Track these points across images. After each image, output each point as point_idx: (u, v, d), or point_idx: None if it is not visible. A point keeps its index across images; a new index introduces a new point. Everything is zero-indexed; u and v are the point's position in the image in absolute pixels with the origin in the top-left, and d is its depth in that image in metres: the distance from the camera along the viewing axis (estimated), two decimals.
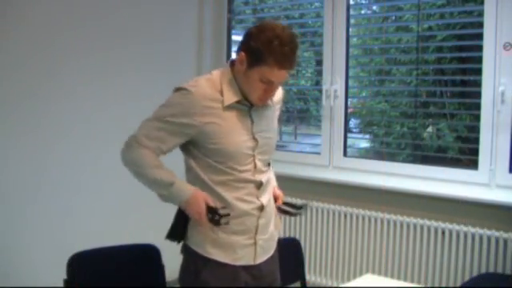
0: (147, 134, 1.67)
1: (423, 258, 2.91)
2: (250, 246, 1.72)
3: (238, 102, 1.68)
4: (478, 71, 2.82)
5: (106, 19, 3.17)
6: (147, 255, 2.05)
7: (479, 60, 2.81)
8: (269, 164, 1.83)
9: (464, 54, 3.30)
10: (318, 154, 3.50)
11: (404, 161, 3.35)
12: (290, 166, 3.42)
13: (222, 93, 1.66)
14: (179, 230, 1.73)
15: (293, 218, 3.37)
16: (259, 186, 1.72)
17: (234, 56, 1.92)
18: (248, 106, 1.71)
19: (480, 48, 2.80)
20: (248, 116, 1.71)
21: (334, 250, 3.27)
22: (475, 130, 2.88)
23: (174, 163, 1.74)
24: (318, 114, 3.53)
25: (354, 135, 3.77)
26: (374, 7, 3.70)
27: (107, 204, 3.17)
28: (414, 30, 3.31)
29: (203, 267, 1.69)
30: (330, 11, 3.36)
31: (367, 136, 3.90)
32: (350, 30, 3.39)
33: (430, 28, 3.28)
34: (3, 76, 2.72)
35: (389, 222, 3.03)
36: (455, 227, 2.79)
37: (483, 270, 2.69)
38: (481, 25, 2.79)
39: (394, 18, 3.56)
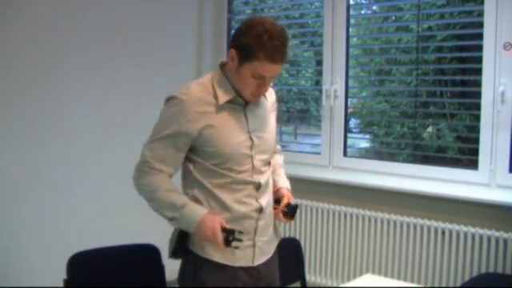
0: (154, 155, 1.66)
1: (423, 257, 2.90)
2: (248, 247, 1.72)
3: (231, 102, 1.68)
4: (478, 71, 2.82)
5: (107, 19, 3.18)
6: (147, 255, 2.04)
7: (479, 60, 2.81)
8: (269, 163, 1.82)
9: (464, 54, 3.30)
10: (318, 153, 3.50)
11: (404, 161, 3.35)
12: (290, 166, 3.37)
13: (214, 94, 1.66)
14: (183, 246, 1.72)
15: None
16: (258, 187, 1.72)
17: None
18: (242, 105, 1.71)
19: (480, 48, 2.80)
20: (243, 114, 1.71)
21: (334, 250, 3.27)
22: (475, 129, 2.88)
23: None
24: (318, 114, 3.53)
25: (354, 135, 3.77)
26: (374, 7, 3.70)
27: (107, 204, 3.17)
28: (413, 30, 3.31)
29: (201, 268, 1.69)
30: (330, 11, 3.36)
31: (367, 136, 3.90)
32: (350, 29, 3.39)
33: (429, 28, 3.28)
34: (0, 73, 2.72)
35: (389, 222, 3.03)
36: (455, 227, 2.79)
37: (483, 270, 2.68)
38: (481, 25, 2.79)
39: (394, 18, 3.56)
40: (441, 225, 2.84)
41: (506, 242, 2.63)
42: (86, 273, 1.90)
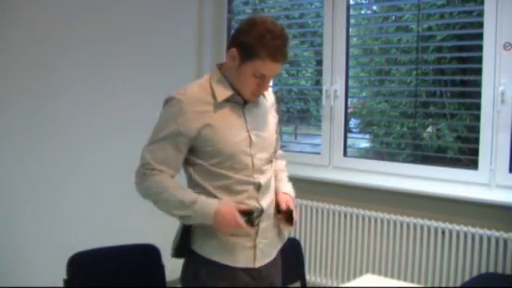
0: (155, 157, 1.65)
1: (423, 257, 2.90)
2: (249, 249, 1.71)
3: (230, 100, 1.68)
4: (478, 71, 2.82)
5: (107, 18, 3.17)
6: (147, 255, 2.04)
7: (479, 60, 2.81)
8: (270, 161, 1.81)
9: (464, 54, 3.30)
10: (318, 153, 3.50)
11: (404, 161, 3.35)
12: (290, 166, 3.36)
13: (212, 93, 1.67)
14: (186, 246, 1.71)
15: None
16: (258, 187, 1.71)
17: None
18: (241, 103, 1.71)
19: (480, 48, 2.79)
20: (241, 113, 1.71)
21: (334, 250, 3.27)
22: (475, 129, 2.88)
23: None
24: (318, 114, 3.53)
25: (354, 135, 3.77)
26: (374, 7, 3.70)
27: (107, 204, 3.17)
28: (413, 30, 3.31)
29: (202, 267, 1.69)
30: (330, 11, 3.36)
31: (367, 136, 3.90)
32: (350, 29, 3.39)
33: (429, 28, 3.28)
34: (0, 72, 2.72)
35: (389, 222, 3.03)
36: (455, 227, 2.79)
37: (483, 270, 2.69)
38: (481, 25, 2.79)
39: (394, 18, 3.56)
40: (441, 225, 2.84)
41: (506, 242, 2.63)
42: (86, 273, 1.90)
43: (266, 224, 1.74)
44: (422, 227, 2.91)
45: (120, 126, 3.26)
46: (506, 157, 2.75)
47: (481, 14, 2.79)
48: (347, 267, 3.21)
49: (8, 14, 2.71)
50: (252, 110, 1.74)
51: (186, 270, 1.75)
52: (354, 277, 3.09)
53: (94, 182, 3.13)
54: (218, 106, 1.66)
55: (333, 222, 3.26)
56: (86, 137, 3.09)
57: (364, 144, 3.88)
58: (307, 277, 3.05)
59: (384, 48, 3.53)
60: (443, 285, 2.82)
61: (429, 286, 2.85)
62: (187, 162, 1.71)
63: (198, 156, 1.68)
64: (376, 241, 3.08)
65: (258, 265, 1.73)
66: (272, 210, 1.78)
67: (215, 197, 1.66)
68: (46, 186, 2.92)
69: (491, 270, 2.67)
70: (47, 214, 2.91)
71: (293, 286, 2.31)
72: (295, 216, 1.76)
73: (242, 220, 1.60)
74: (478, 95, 2.83)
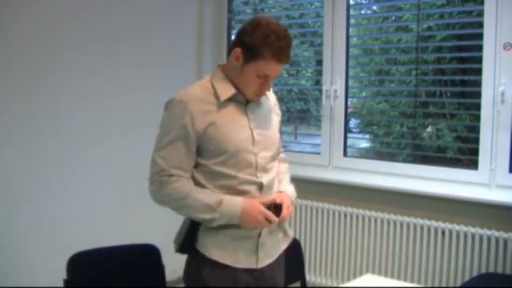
0: (168, 162, 1.64)
1: (423, 257, 2.90)
2: (252, 250, 1.71)
3: (232, 99, 1.68)
4: (478, 71, 2.82)
5: (107, 17, 3.17)
6: (147, 255, 2.04)
7: (479, 60, 2.81)
8: (274, 159, 1.81)
9: (464, 54, 3.30)
10: (318, 154, 3.50)
11: (404, 161, 3.35)
12: (290, 165, 3.41)
13: (215, 93, 1.67)
14: (190, 243, 1.71)
15: (293, 217, 3.37)
16: (261, 187, 1.71)
17: None
18: (243, 103, 1.72)
19: (480, 48, 2.79)
20: (244, 112, 1.72)
21: (334, 250, 3.27)
22: (475, 129, 2.88)
23: None
24: (318, 114, 3.53)
25: (354, 135, 3.77)
26: (374, 7, 3.70)
27: (107, 204, 3.17)
28: (413, 29, 3.31)
29: (204, 266, 1.69)
30: (330, 11, 3.36)
31: (367, 136, 3.90)
32: (350, 29, 3.39)
33: (429, 28, 3.28)
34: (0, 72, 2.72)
35: (389, 222, 3.03)
36: (455, 227, 2.79)
37: (483, 270, 2.69)
38: (481, 25, 2.79)
39: (393, 18, 3.56)
40: (441, 225, 2.84)
41: (506, 242, 2.63)
42: (86, 273, 1.90)
43: None
44: (421, 227, 2.91)
45: (120, 126, 3.26)
46: (506, 157, 2.75)
47: (481, 13, 2.79)
48: (347, 267, 3.21)
49: (8, 14, 2.71)
50: (254, 109, 1.75)
51: (188, 266, 1.76)
52: (354, 277, 3.09)
53: (94, 182, 3.13)
54: (220, 105, 1.67)
55: (333, 222, 3.26)
56: (85, 137, 3.09)
57: (364, 144, 3.88)
58: (307, 277, 3.05)
59: (384, 48, 3.53)
60: (443, 285, 2.82)
61: (429, 286, 2.85)
62: None
63: (201, 156, 1.68)
64: (376, 241, 3.08)
65: (260, 265, 1.73)
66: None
67: None
68: (46, 185, 2.92)
69: (491, 270, 2.67)
70: (47, 214, 2.91)
71: (293, 286, 2.31)
72: (285, 211, 1.70)
73: (272, 215, 1.63)
74: (478, 95, 2.83)
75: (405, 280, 2.92)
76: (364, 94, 3.83)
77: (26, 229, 2.83)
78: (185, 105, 1.63)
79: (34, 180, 2.87)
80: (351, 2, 3.38)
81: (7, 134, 2.75)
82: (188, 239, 1.70)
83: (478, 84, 2.82)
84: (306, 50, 3.96)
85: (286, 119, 3.86)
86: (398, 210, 3.02)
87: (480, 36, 2.79)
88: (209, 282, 1.68)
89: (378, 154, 3.71)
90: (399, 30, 3.76)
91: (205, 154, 1.67)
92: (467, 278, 2.72)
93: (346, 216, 3.21)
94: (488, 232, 2.69)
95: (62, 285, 1.83)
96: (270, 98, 1.86)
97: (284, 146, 4.00)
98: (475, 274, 2.70)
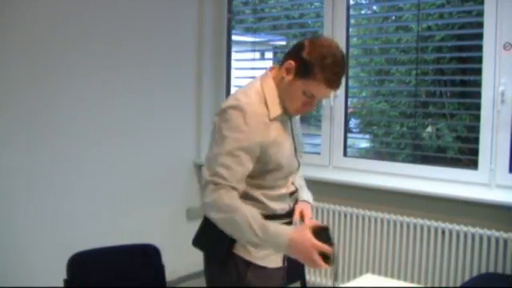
0: (232, 173, 1.53)
1: (423, 257, 2.90)
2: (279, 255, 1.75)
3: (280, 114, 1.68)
4: (478, 71, 2.81)
5: (107, 17, 3.18)
6: (147, 255, 2.04)
7: (479, 60, 2.81)
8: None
9: (464, 54, 3.30)
10: (318, 153, 3.50)
11: (404, 161, 3.35)
12: None
13: (266, 105, 1.63)
14: (224, 255, 1.68)
15: None
16: (291, 194, 1.77)
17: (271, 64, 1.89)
18: (288, 117, 1.72)
19: (480, 48, 2.79)
20: (289, 124, 1.73)
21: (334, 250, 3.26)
22: (475, 129, 2.88)
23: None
24: (318, 114, 3.53)
25: (354, 135, 3.77)
26: (374, 7, 3.70)
27: (107, 204, 3.17)
28: (413, 29, 3.31)
29: (247, 269, 1.69)
30: (330, 11, 3.36)
31: (367, 136, 3.90)
32: (350, 29, 3.39)
33: (429, 28, 3.28)
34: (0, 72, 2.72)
35: (389, 222, 3.03)
36: (455, 227, 2.79)
37: (483, 270, 2.68)
38: (480, 25, 2.79)
39: (393, 18, 3.56)
40: (441, 225, 2.84)
41: (506, 242, 2.63)
42: (86, 273, 1.90)
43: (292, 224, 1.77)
44: (421, 227, 2.91)
45: (120, 126, 3.26)
46: (506, 157, 2.75)
47: (481, 13, 2.79)
48: (347, 267, 3.21)
49: (8, 14, 2.71)
50: (295, 124, 1.80)
51: (222, 271, 1.72)
52: (354, 277, 3.08)
53: (94, 182, 3.13)
54: (272, 118, 1.64)
55: (333, 222, 3.26)
56: (86, 137, 3.09)
57: (364, 144, 3.88)
58: (307, 277, 3.05)
59: (384, 48, 3.53)
60: (443, 285, 2.82)
61: (429, 286, 2.85)
62: None
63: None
64: (376, 241, 3.08)
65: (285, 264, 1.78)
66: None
67: (247, 192, 1.64)
68: (46, 185, 2.92)
69: (491, 269, 2.66)
70: (47, 213, 2.91)
71: (293, 285, 2.31)
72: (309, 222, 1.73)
73: (327, 248, 1.49)
74: (478, 95, 2.82)
75: (405, 280, 2.91)
76: (364, 94, 3.83)
77: (26, 229, 2.83)
78: (249, 116, 1.56)
79: (35, 180, 2.87)
80: (351, 2, 3.38)
81: (7, 134, 2.76)
82: (228, 246, 1.67)
83: (478, 84, 2.82)
84: None
85: None
86: (398, 210, 3.02)
87: (480, 36, 2.79)
88: (255, 284, 1.68)
89: (377, 154, 3.71)
90: (399, 30, 3.76)
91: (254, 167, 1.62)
92: (467, 277, 2.72)
93: (345, 216, 3.20)
94: (488, 232, 2.69)
95: (62, 285, 1.83)
96: None
97: None
98: (475, 273, 2.70)
